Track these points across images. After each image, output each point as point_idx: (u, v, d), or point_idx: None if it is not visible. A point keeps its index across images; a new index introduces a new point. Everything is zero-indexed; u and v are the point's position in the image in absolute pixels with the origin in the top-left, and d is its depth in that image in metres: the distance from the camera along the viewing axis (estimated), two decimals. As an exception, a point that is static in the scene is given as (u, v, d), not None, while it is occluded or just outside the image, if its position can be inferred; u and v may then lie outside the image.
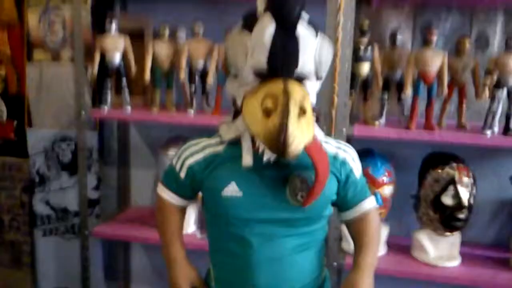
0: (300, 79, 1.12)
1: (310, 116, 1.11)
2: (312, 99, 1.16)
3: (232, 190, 1.20)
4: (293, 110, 1.05)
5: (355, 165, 1.30)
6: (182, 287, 1.38)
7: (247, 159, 1.16)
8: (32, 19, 2.35)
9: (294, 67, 1.10)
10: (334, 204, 1.31)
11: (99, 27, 2.17)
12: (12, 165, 2.53)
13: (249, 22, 1.13)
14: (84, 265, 2.26)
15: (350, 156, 1.30)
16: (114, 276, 2.57)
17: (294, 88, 1.08)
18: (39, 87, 2.38)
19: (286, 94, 1.06)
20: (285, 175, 1.19)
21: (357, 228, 1.35)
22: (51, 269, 2.53)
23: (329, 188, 1.23)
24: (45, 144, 2.40)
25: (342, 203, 1.32)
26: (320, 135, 1.24)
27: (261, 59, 1.10)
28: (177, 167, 1.30)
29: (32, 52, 2.38)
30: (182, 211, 1.42)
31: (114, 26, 2.09)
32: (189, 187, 1.31)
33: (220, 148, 1.24)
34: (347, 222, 1.38)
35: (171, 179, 1.35)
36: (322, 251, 1.35)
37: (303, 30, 1.11)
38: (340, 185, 1.28)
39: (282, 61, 1.10)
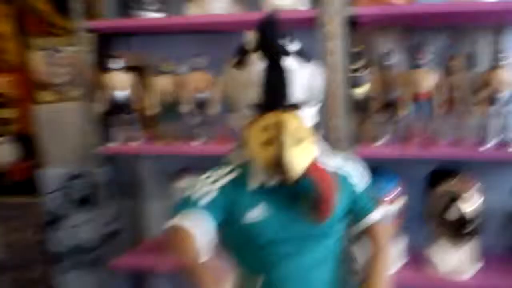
0: (294, 108, 1.20)
1: (307, 141, 1.19)
2: (309, 123, 1.24)
3: (255, 214, 1.25)
4: (287, 141, 1.14)
5: (357, 180, 1.38)
6: None
7: (252, 184, 1.26)
8: (38, 61, 2.43)
9: (284, 99, 1.18)
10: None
11: (103, 66, 2.25)
12: (26, 205, 2.60)
13: (241, 59, 1.22)
14: (106, 298, 2.34)
15: (350, 172, 1.37)
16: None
17: (287, 119, 1.16)
18: (49, 127, 2.46)
19: (280, 126, 1.15)
20: (299, 192, 1.24)
21: (368, 240, 1.41)
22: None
23: (340, 202, 1.29)
24: (59, 183, 2.47)
25: (354, 214, 1.39)
26: (321, 153, 1.30)
27: (254, 94, 1.19)
28: (204, 190, 1.24)
29: (39, 93, 2.46)
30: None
31: (118, 64, 2.16)
32: (221, 207, 1.24)
33: (235, 173, 1.30)
34: (355, 236, 1.44)
35: (190, 205, 1.24)
36: (339, 264, 1.39)
37: (292, 63, 1.19)
38: (349, 200, 1.35)
39: (272, 95, 1.18)
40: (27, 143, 2.55)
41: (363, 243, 1.44)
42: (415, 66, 1.88)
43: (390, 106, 1.98)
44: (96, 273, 2.48)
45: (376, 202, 1.44)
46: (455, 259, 1.95)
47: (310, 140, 1.20)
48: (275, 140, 1.14)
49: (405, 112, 1.88)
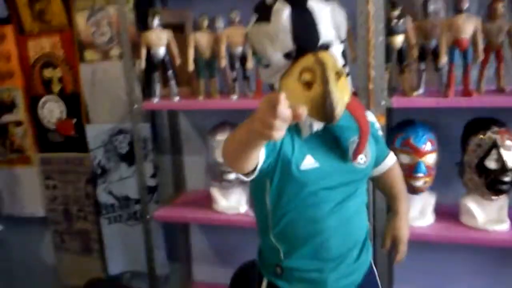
0: (326, 48, 1.20)
1: (344, 77, 1.17)
2: (340, 61, 1.24)
3: (309, 163, 1.27)
4: (331, 76, 1.10)
5: (377, 125, 1.47)
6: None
7: (304, 131, 1.28)
8: (81, 22, 2.49)
9: (317, 39, 1.18)
10: None
11: (142, 24, 2.29)
12: (75, 160, 2.72)
13: (264, 12, 1.21)
14: (148, 248, 2.43)
15: (372, 115, 1.47)
16: (176, 257, 2.72)
17: (325, 56, 1.15)
18: (93, 85, 2.54)
19: (321, 63, 1.12)
20: (340, 137, 1.31)
21: (388, 181, 1.55)
22: (118, 254, 2.72)
23: (372, 146, 1.38)
24: (103, 138, 2.56)
25: (375, 160, 1.43)
26: None
27: (286, 41, 1.17)
28: None
29: (83, 53, 2.53)
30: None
31: (156, 21, 2.20)
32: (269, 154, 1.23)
33: None
34: (376, 177, 1.53)
35: None
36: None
37: (314, 3, 1.18)
38: (375, 144, 1.41)
39: (305, 36, 1.17)
40: (73, 101, 2.64)
41: (384, 182, 1.56)
42: (456, 11, 1.82)
43: (429, 54, 1.94)
44: (138, 224, 2.58)
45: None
46: (492, 209, 1.93)
47: (345, 77, 1.19)
48: (317, 78, 1.11)
49: (445, 60, 1.83)
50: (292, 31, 1.17)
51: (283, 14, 1.17)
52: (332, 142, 1.31)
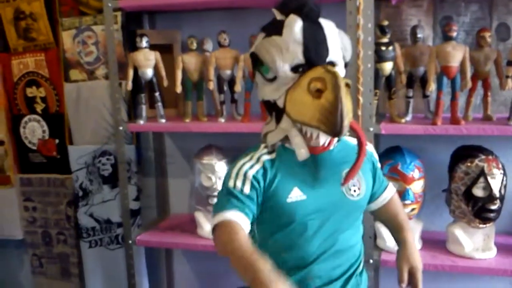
0: (333, 65, 1.22)
1: (348, 94, 1.17)
2: None
3: (296, 194, 1.26)
4: (342, 83, 1.11)
5: (376, 156, 1.45)
6: None
7: (302, 152, 1.24)
8: (67, 40, 2.47)
9: (326, 54, 1.20)
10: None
11: (130, 44, 2.28)
12: (56, 181, 2.66)
13: (275, 27, 1.21)
14: (129, 274, 2.37)
15: (371, 146, 1.45)
16: (159, 283, 2.66)
17: (333, 68, 1.17)
18: (77, 105, 2.49)
19: (331, 72, 1.13)
20: (332, 169, 1.29)
21: (390, 212, 1.51)
22: (98, 279, 2.64)
23: (369, 179, 1.37)
24: (86, 160, 2.51)
25: (373, 193, 1.44)
26: None
27: (297, 53, 1.18)
28: (238, 184, 1.25)
29: (68, 72, 2.50)
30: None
31: (145, 42, 2.18)
32: (255, 201, 1.25)
33: (273, 155, 1.30)
34: (378, 210, 1.51)
35: (231, 201, 1.24)
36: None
37: (325, 22, 1.22)
38: (372, 175, 1.40)
39: (316, 50, 1.18)
40: (56, 121, 2.59)
41: (387, 214, 1.52)
42: (445, 39, 1.84)
43: (417, 81, 1.95)
44: (120, 248, 2.52)
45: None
46: (479, 237, 1.92)
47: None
48: (329, 85, 1.10)
49: (433, 87, 1.84)
50: (303, 44, 1.17)
51: (296, 26, 1.18)
52: (322, 174, 1.29)
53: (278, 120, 1.26)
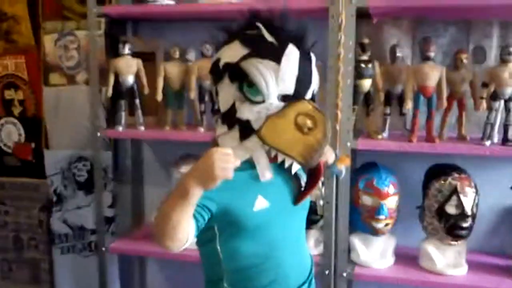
0: (313, 98, 1.28)
1: None
2: None
3: (261, 203, 1.26)
4: (329, 128, 1.19)
5: None
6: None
7: (267, 174, 1.24)
8: (48, 44, 2.45)
9: (309, 86, 1.25)
10: None
11: (112, 51, 2.28)
12: (30, 186, 2.63)
13: (269, 51, 1.20)
14: (102, 282, 2.34)
15: None
16: (131, 292, 2.63)
17: (319, 108, 1.22)
18: (56, 110, 2.47)
19: (321, 112, 1.19)
20: (289, 176, 1.31)
21: None
22: (69, 286, 2.60)
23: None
24: (62, 165, 2.48)
25: None
26: None
27: (289, 84, 1.21)
28: None
29: (48, 76, 2.48)
30: None
31: (127, 49, 2.18)
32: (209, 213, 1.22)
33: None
34: None
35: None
36: None
37: (311, 54, 1.26)
38: None
39: (305, 83, 1.23)
40: (33, 125, 2.57)
41: None
42: (423, 59, 1.88)
43: (395, 99, 1.99)
44: (93, 256, 2.48)
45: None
46: (451, 254, 1.96)
47: None
48: (320, 126, 1.17)
49: (410, 105, 1.88)
50: (297, 76, 1.21)
51: (295, 59, 1.20)
52: (282, 179, 1.31)
53: (243, 137, 1.22)
